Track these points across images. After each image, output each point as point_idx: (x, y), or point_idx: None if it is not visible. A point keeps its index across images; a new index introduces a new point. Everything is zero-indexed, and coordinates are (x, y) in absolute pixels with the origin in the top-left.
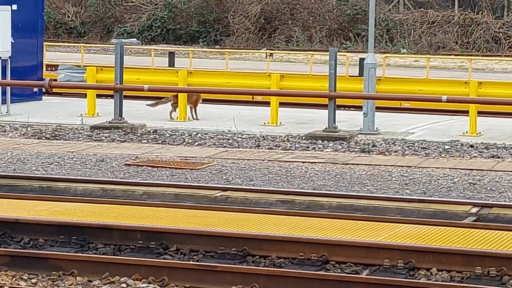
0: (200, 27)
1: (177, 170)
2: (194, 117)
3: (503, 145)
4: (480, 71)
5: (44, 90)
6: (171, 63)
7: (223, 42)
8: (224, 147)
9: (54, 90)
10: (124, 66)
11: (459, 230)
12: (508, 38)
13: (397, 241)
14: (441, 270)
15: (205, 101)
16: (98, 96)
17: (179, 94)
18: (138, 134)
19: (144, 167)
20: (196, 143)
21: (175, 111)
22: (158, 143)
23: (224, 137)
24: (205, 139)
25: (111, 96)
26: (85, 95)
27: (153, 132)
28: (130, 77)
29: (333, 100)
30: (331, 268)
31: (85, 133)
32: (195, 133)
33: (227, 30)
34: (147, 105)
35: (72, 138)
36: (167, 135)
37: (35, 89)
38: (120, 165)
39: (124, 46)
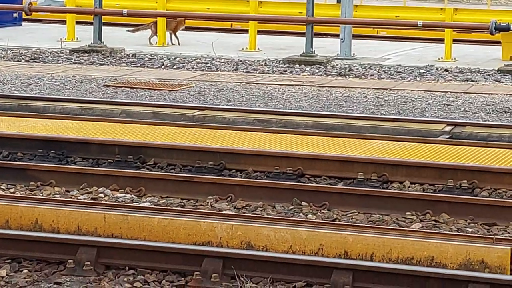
0: None
1: (156, 91)
2: (175, 43)
3: (477, 69)
4: (456, 3)
5: (24, 14)
6: None
7: None
8: (203, 70)
9: (34, 16)
10: None
11: (433, 146)
12: None
13: (371, 156)
14: (414, 183)
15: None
16: (78, 23)
17: (158, 19)
18: (117, 58)
19: (123, 88)
20: (175, 67)
21: (155, 37)
22: (137, 66)
23: (203, 61)
24: (184, 63)
25: (91, 24)
26: (65, 22)
27: (132, 56)
28: (109, 3)
29: (311, 25)
30: (306, 181)
31: (65, 56)
32: (173, 57)
33: None
34: (128, 30)
35: (51, 61)
36: (146, 59)
37: (15, 15)
38: (99, 86)
39: None
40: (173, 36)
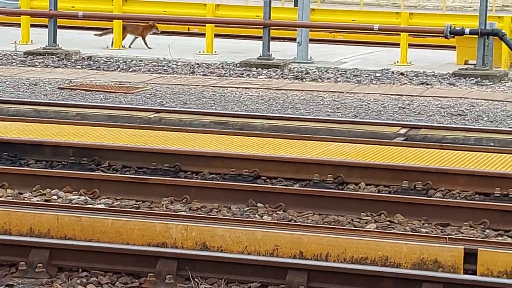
0: None
1: (111, 93)
2: (145, 47)
3: (432, 73)
4: (412, 8)
5: None
6: None
7: None
8: (159, 73)
9: None
10: None
11: (388, 148)
12: None
13: (327, 157)
14: (369, 185)
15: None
16: (33, 26)
17: (114, 22)
18: (72, 60)
19: (78, 90)
20: (131, 69)
21: (122, 40)
22: (92, 69)
23: (159, 64)
24: (140, 66)
25: (46, 26)
26: (19, 25)
27: (87, 59)
28: (64, 5)
29: (268, 28)
30: (262, 183)
31: (19, 58)
32: (130, 60)
33: None
34: (95, 34)
35: (5, 63)
36: (102, 61)
37: None
38: (54, 88)
39: None
40: (142, 41)
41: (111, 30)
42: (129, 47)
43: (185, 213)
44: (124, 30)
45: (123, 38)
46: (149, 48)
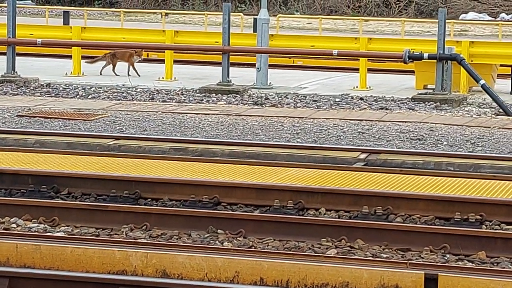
0: None
1: (70, 121)
2: (134, 74)
3: (392, 97)
4: (371, 33)
5: None
6: (66, 22)
7: (119, 5)
8: (118, 100)
9: None
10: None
11: (348, 173)
12: (398, 2)
13: (288, 183)
14: (330, 210)
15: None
16: None
17: (73, 49)
18: (31, 88)
19: (37, 118)
20: (90, 96)
21: (113, 68)
22: (51, 96)
23: (119, 90)
24: (99, 92)
25: (4, 54)
26: None
27: (46, 86)
28: (23, 33)
29: (227, 54)
30: (222, 209)
31: None
32: (89, 87)
33: None
34: (86, 62)
35: None
36: (61, 88)
37: None
38: (12, 116)
39: (19, 7)
40: (131, 67)
41: (101, 57)
42: (100, 73)
43: (145, 240)
44: (113, 57)
45: (115, 65)
46: (138, 75)
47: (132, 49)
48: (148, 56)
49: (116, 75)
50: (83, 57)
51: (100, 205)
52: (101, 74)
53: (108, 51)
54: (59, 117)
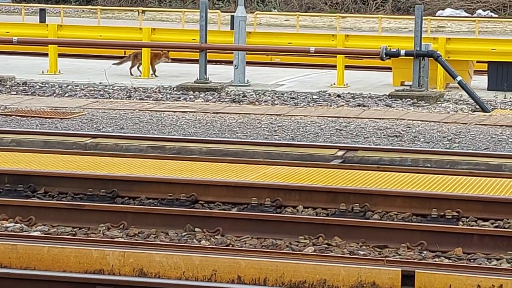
0: None
1: (47, 119)
2: (152, 75)
3: (369, 94)
4: (348, 30)
5: None
6: (42, 20)
7: (96, 2)
8: (95, 98)
9: None
10: None
11: (326, 170)
12: None
13: (265, 181)
14: (307, 207)
15: (76, 56)
16: None
17: (50, 47)
18: (7, 86)
19: (13, 116)
20: (67, 95)
21: (139, 69)
22: (27, 95)
23: (95, 88)
24: (76, 90)
25: None
26: None
27: (22, 84)
28: None
29: (204, 51)
30: (200, 207)
31: None
32: (65, 85)
33: None
34: (113, 64)
35: None
36: (37, 87)
37: None
38: None
39: None
40: (150, 66)
41: (126, 58)
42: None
43: (122, 239)
44: (135, 58)
45: (133, 66)
46: (155, 76)
47: (105, 47)
48: (125, 53)
49: (131, 74)
50: (99, 57)
51: (77, 204)
52: (131, 74)
53: (133, 51)
54: (36, 116)
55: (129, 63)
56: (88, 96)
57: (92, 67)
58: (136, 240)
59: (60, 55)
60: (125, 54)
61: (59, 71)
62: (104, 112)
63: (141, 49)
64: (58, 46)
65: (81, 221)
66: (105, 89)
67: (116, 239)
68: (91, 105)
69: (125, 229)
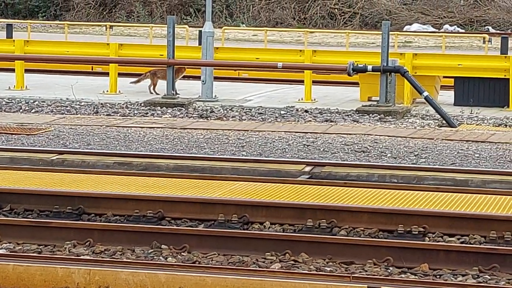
0: (39, 2)
1: (13, 135)
2: (174, 91)
3: (336, 110)
4: (316, 45)
5: None
6: (9, 35)
7: (63, 17)
8: (62, 114)
9: None
10: None
11: (293, 186)
12: (343, 14)
13: (232, 197)
14: (274, 224)
15: (43, 71)
16: None
17: (16, 62)
18: None
19: None
20: (33, 110)
21: (153, 86)
22: None
23: (62, 104)
24: (43, 106)
25: None
26: None
27: None
28: None
29: (172, 67)
30: (167, 224)
31: None
32: (32, 101)
33: (67, 5)
34: (131, 82)
35: None
36: (4, 102)
37: None
38: None
39: None
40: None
41: (143, 76)
42: (150, 92)
43: (88, 257)
44: (154, 76)
45: (155, 84)
46: (176, 93)
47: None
48: (92, 69)
49: (151, 92)
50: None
51: (43, 221)
52: (151, 92)
53: (151, 69)
54: (2, 132)
55: (147, 81)
56: (55, 112)
57: (59, 83)
58: (102, 257)
59: (27, 71)
60: (92, 69)
61: (25, 86)
62: (71, 128)
63: (159, 66)
64: (25, 62)
65: (47, 239)
66: (72, 105)
67: (82, 257)
68: (58, 121)
69: (91, 246)
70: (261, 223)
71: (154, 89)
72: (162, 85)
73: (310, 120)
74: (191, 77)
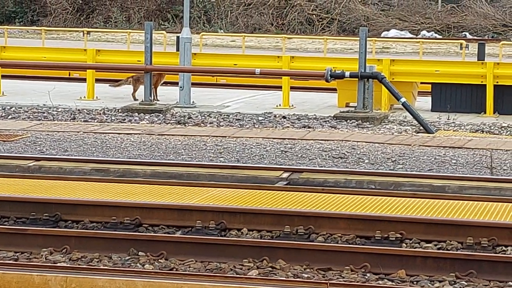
0: (16, 7)
1: None
2: (153, 98)
3: (314, 116)
4: (294, 51)
5: None
6: None
7: (40, 23)
8: (39, 120)
9: None
10: None
11: (270, 193)
12: (321, 20)
13: (210, 203)
14: (252, 230)
15: (20, 77)
16: None
17: None
18: None
19: None
20: (10, 117)
21: (134, 91)
22: None
23: (39, 110)
24: (19, 112)
25: None
26: None
27: None
28: None
29: (149, 73)
30: (144, 231)
31: None
32: (9, 107)
33: (44, 10)
34: (110, 85)
35: None
36: None
37: None
38: None
39: None
40: (153, 91)
41: (124, 81)
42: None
43: (65, 264)
44: (136, 81)
45: (136, 90)
46: (157, 100)
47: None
48: (69, 74)
49: (135, 99)
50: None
51: (19, 228)
52: (135, 99)
53: (133, 74)
54: None
55: (127, 86)
56: (31, 118)
57: (36, 89)
58: (79, 264)
59: (4, 77)
60: (69, 75)
61: (2, 92)
62: (48, 134)
63: (137, 72)
64: (2, 68)
65: (23, 246)
66: (49, 111)
67: (58, 264)
68: (35, 127)
69: (68, 254)
70: (239, 229)
71: (133, 94)
72: (141, 91)
73: (288, 126)
74: (169, 83)
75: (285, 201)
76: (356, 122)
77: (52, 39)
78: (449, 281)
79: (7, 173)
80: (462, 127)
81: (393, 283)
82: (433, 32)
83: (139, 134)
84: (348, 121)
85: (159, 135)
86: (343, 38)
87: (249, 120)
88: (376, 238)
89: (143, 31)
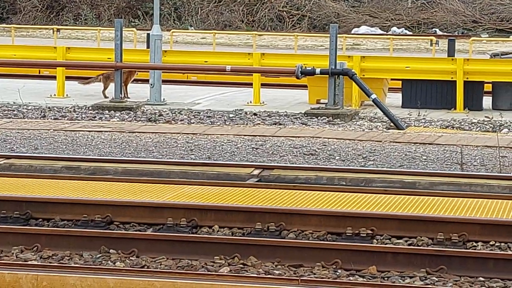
0: None
1: None
2: (124, 95)
3: (285, 113)
4: (265, 48)
5: None
6: None
7: (10, 20)
8: (9, 118)
9: None
10: None
11: (242, 190)
12: (291, 16)
13: (181, 201)
14: (223, 227)
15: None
16: None
17: None
18: None
19: None
20: None
21: (104, 89)
22: None
23: (9, 108)
24: None
25: None
26: None
27: None
28: None
29: (120, 70)
30: (115, 228)
31: None
32: None
33: (14, 8)
34: (79, 82)
35: None
36: None
37: None
38: None
39: None
40: (123, 88)
41: (94, 78)
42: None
43: (35, 262)
44: (107, 79)
45: (106, 88)
46: (127, 97)
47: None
48: (39, 72)
49: (106, 97)
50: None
51: None
52: (105, 97)
53: (100, 72)
54: None
55: (97, 84)
56: (1, 116)
57: (6, 87)
58: (50, 262)
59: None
60: (39, 73)
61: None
62: (18, 132)
63: (107, 69)
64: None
65: None
66: (19, 109)
67: (29, 262)
68: (5, 125)
69: (39, 251)
70: (210, 226)
71: (104, 91)
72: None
73: (259, 123)
74: (139, 81)
75: (256, 198)
76: (327, 119)
77: (21, 36)
78: (420, 277)
79: None
80: (433, 123)
81: (364, 279)
82: (403, 28)
83: (110, 131)
84: (319, 117)
85: (130, 132)
86: (314, 34)
87: (220, 117)
88: (347, 234)
89: (113, 29)
